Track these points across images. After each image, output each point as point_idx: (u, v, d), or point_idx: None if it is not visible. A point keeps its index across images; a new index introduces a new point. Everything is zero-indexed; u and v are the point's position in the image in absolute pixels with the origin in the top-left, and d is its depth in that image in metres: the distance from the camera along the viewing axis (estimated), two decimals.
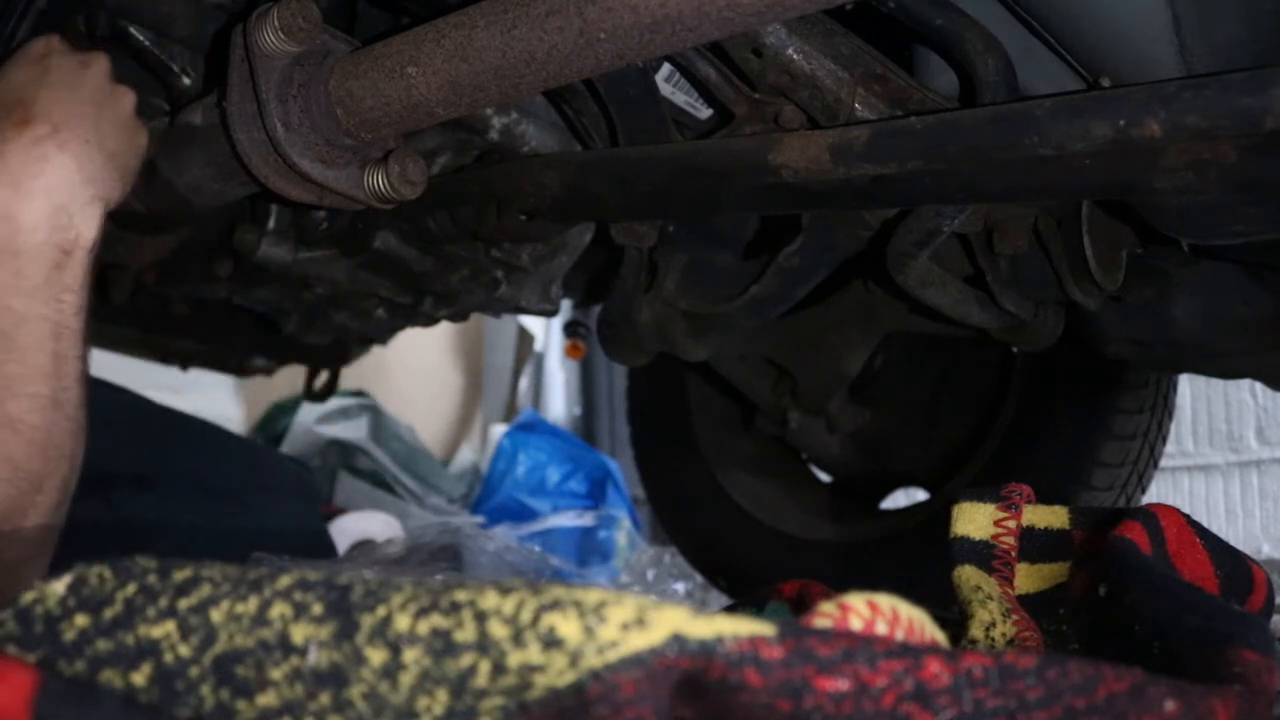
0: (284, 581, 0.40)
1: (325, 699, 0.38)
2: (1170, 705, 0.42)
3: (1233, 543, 0.75)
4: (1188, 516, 0.74)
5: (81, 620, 0.40)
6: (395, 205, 0.85)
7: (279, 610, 0.39)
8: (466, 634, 0.37)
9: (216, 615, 0.39)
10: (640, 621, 0.37)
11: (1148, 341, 1.09)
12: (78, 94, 0.79)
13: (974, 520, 0.79)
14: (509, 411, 3.95)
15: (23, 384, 0.72)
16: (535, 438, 2.81)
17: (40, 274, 0.74)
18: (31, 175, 0.74)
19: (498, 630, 0.37)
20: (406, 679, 0.37)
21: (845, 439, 1.60)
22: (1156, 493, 1.60)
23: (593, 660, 0.36)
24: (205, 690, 0.39)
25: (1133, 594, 0.62)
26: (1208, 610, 0.57)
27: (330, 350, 1.90)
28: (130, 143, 0.83)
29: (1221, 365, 1.12)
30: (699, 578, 1.97)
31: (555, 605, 0.37)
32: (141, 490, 1.18)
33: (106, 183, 0.79)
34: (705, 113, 1.03)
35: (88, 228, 0.77)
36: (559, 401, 3.93)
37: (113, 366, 1.52)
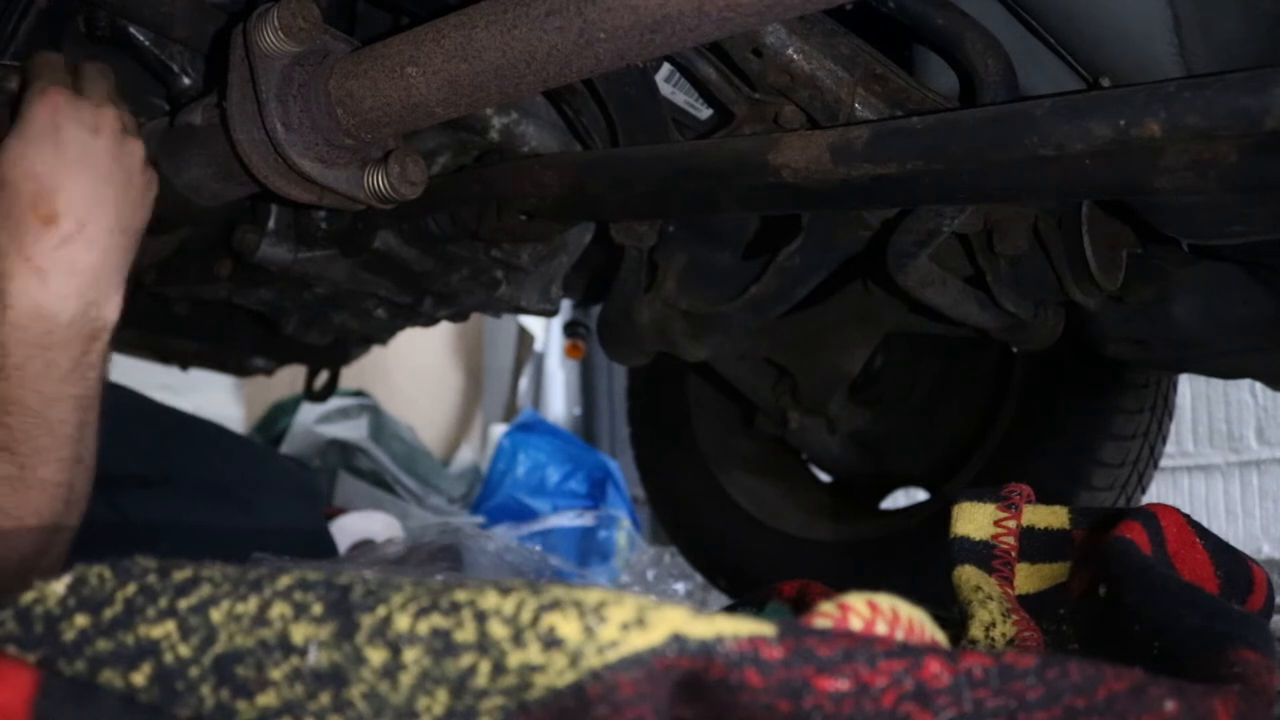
0: (284, 581, 0.40)
1: (325, 699, 0.38)
2: (1170, 705, 0.42)
3: (1233, 543, 0.75)
4: (1188, 516, 0.74)
5: (81, 620, 0.40)
6: (395, 205, 0.85)
7: (279, 610, 0.39)
8: (466, 634, 0.37)
9: (216, 615, 0.39)
10: (640, 621, 0.37)
11: (1148, 341, 1.09)
12: (96, 174, 0.78)
13: (974, 520, 0.79)
14: (509, 411, 3.95)
15: (52, 452, 0.76)
16: (535, 438, 2.81)
17: (70, 361, 0.77)
18: (62, 276, 0.76)
19: (498, 630, 0.37)
20: (406, 679, 0.37)
21: (845, 439, 1.60)
22: (1156, 493, 1.60)
23: (593, 660, 0.36)
24: (205, 690, 0.39)
25: (1133, 594, 0.62)
26: (1208, 610, 0.57)
27: (330, 350, 1.90)
28: (144, 203, 0.84)
29: (1221, 365, 1.12)
30: (699, 578, 1.97)
31: (555, 605, 0.37)
32: (143, 490, 1.18)
33: (128, 260, 0.81)
34: (705, 113, 1.03)
35: (112, 312, 0.80)
36: (559, 401, 3.93)
37: (113, 366, 1.51)
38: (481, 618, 0.37)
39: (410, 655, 0.37)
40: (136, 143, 0.83)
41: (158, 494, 1.20)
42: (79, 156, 0.78)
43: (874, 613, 0.42)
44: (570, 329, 3.06)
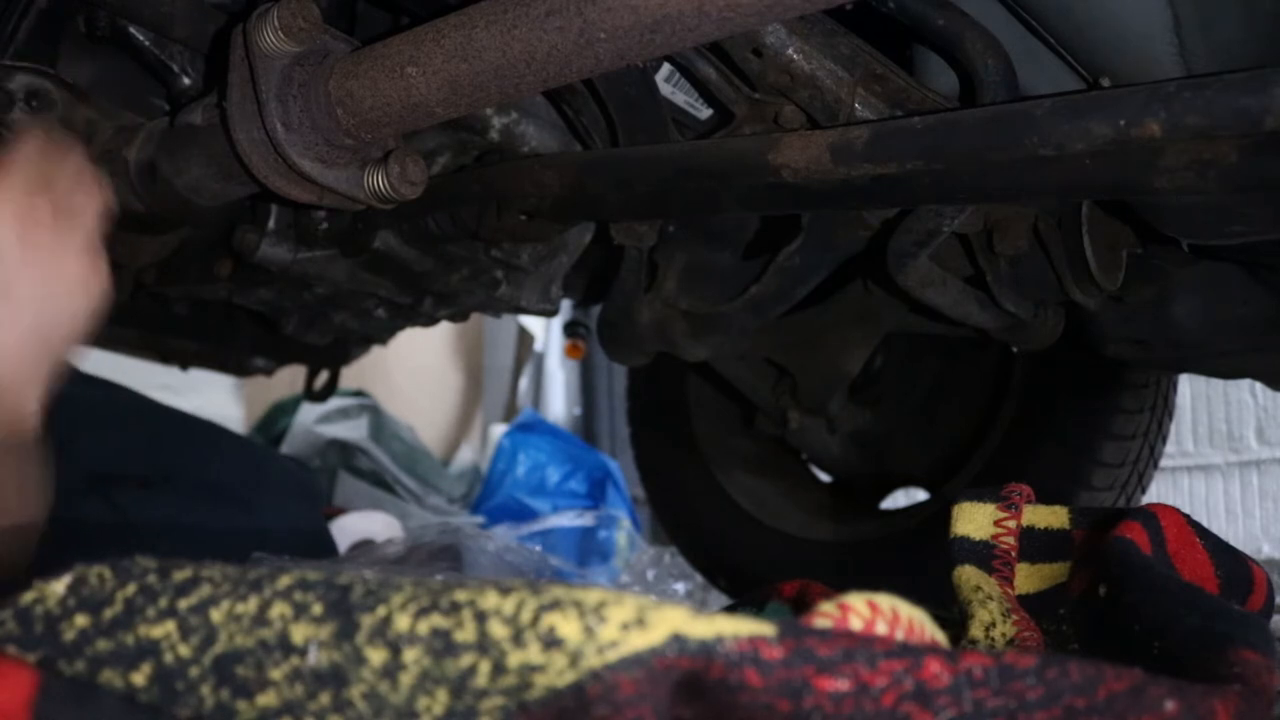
0: (284, 581, 0.40)
1: (325, 699, 0.38)
2: (1170, 705, 0.42)
3: (1233, 543, 0.75)
4: (1188, 516, 0.74)
5: (81, 620, 0.40)
6: (395, 205, 0.85)
7: (279, 610, 0.39)
8: (466, 634, 0.37)
9: (216, 615, 0.39)
10: (640, 621, 0.37)
11: (1148, 341, 1.09)
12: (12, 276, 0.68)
13: (974, 520, 0.79)
14: (509, 411, 3.95)
15: None
16: (535, 438, 2.81)
17: None
18: None
19: (498, 630, 0.37)
20: (406, 679, 0.37)
21: (845, 439, 1.60)
22: (1156, 493, 1.60)
23: (593, 660, 0.36)
24: (205, 690, 0.39)
25: (1133, 594, 0.62)
26: (1208, 610, 0.57)
27: (330, 350, 1.90)
28: (85, 297, 0.73)
29: (1221, 365, 1.12)
30: (699, 578, 1.97)
31: (555, 605, 0.37)
32: (143, 490, 1.18)
33: (41, 367, 0.70)
34: (705, 113, 1.03)
35: (32, 418, 0.69)
36: (559, 401, 3.94)
37: (113, 366, 1.52)
38: (481, 618, 0.37)
39: (410, 655, 0.37)
40: (71, 232, 0.72)
41: (158, 494, 1.19)
42: None
43: (874, 613, 0.42)
44: (570, 329, 3.06)
